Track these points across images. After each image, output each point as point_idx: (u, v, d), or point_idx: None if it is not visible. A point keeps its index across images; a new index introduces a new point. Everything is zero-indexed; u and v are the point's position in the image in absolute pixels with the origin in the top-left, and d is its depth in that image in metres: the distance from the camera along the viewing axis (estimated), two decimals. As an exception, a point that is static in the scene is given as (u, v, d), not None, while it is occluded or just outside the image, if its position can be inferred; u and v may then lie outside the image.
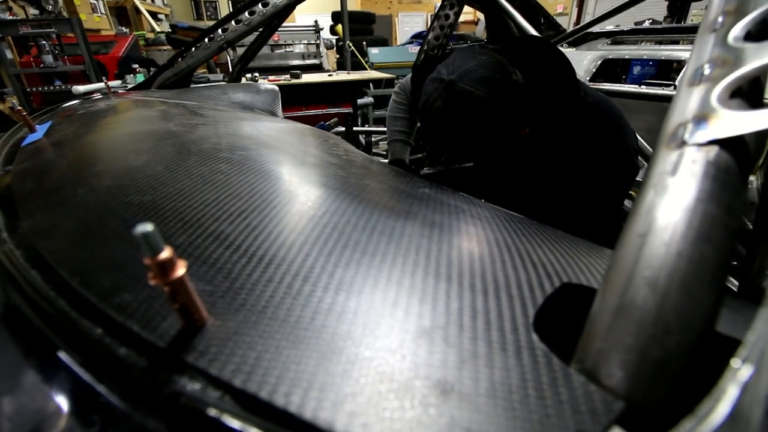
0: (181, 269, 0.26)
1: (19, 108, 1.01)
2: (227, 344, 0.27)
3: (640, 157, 1.50)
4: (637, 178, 1.01)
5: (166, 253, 0.25)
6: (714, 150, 0.30)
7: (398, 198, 0.53)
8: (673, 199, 0.29)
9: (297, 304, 0.30)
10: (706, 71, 0.38)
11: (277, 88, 1.85)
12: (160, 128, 0.80)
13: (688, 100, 0.36)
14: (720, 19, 0.43)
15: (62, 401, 0.25)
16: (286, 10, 2.08)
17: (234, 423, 0.23)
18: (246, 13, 2.04)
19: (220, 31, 2.04)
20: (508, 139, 0.82)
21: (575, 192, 0.95)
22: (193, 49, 2.04)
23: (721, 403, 0.18)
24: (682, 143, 0.32)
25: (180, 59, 2.05)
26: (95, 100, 1.49)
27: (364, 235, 0.39)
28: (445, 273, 0.35)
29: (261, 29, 2.11)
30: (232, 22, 2.04)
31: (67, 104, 1.48)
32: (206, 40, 2.05)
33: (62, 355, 0.27)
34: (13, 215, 0.50)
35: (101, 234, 0.41)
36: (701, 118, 0.33)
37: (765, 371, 0.18)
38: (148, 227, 0.24)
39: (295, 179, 0.54)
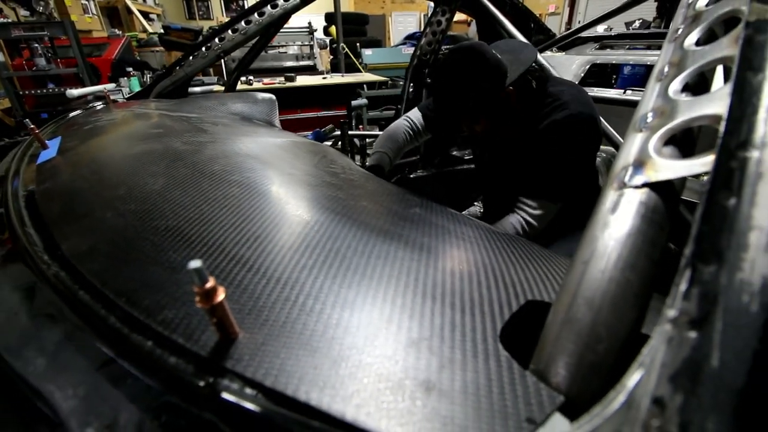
0: (221, 295, 0.32)
1: (32, 126, 1.06)
2: (257, 353, 0.33)
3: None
4: None
5: (210, 283, 0.32)
6: (646, 192, 0.38)
7: (392, 220, 0.60)
8: (610, 234, 0.36)
9: (310, 320, 0.37)
10: (649, 119, 0.45)
11: (273, 97, 1.90)
12: (170, 148, 0.86)
13: (632, 146, 0.43)
14: (666, 69, 0.51)
15: (133, 401, 0.31)
16: (282, 19, 2.14)
17: (266, 413, 0.30)
18: (242, 23, 2.09)
19: (217, 40, 2.09)
20: (498, 97, 1.01)
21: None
22: (191, 57, 2.09)
23: (620, 394, 0.25)
24: (623, 185, 0.39)
25: (178, 68, 2.10)
26: (97, 111, 1.54)
27: (363, 259, 0.46)
28: (431, 293, 0.42)
29: (257, 38, 2.16)
30: (229, 31, 2.09)
31: (70, 115, 1.52)
32: (203, 48, 2.10)
33: (124, 363, 0.34)
34: (49, 237, 0.57)
35: (136, 257, 0.48)
36: (639, 163, 0.40)
37: (653, 373, 0.25)
38: (197, 263, 0.31)
39: (300, 203, 0.61)
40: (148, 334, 0.36)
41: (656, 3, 4.61)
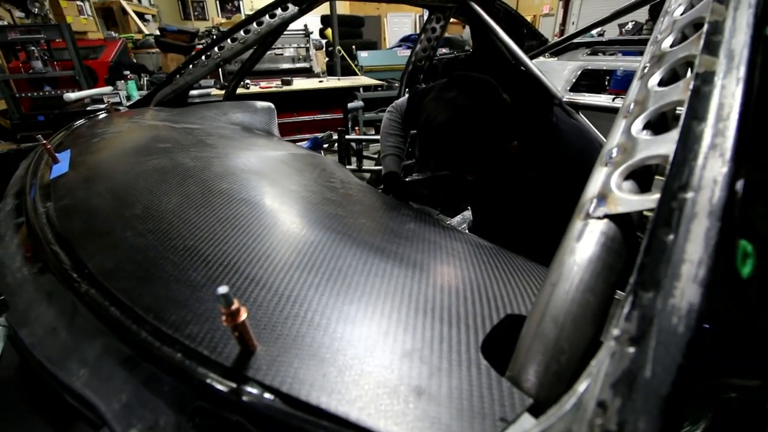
0: (244, 314, 0.38)
1: (44, 142, 1.11)
2: (274, 364, 0.39)
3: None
4: None
5: (235, 305, 0.37)
6: (606, 223, 0.44)
7: (388, 238, 0.66)
8: (574, 259, 0.42)
9: (318, 334, 0.43)
10: (614, 154, 0.51)
11: (272, 106, 1.96)
12: (179, 165, 0.91)
13: (597, 179, 0.49)
14: (631, 106, 0.57)
15: (170, 405, 0.37)
16: (280, 29, 2.19)
17: (283, 415, 0.36)
18: (241, 32, 2.14)
19: (216, 49, 2.14)
20: (500, 150, 0.94)
21: (547, 207, 1.08)
22: (191, 66, 2.13)
23: (572, 397, 0.31)
24: (588, 215, 0.46)
25: (178, 76, 2.15)
26: (102, 121, 1.58)
27: (362, 277, 0.52)
28: (422, 308, 0.48)
29: (256, 47, 2.21)
30: (228, 41, 2.14)
31: (75, 125, 1.56)
32: (203, 57, 2.15)
33: (158, 373, 0.40)
34: (73, 255, 0.62)
35: (159, 276, 0.53)
36: (602, 196, 0.46)
37: (599, 381, 0.31)
38: (225, 289, 0.36)
39: (304, 223, 0.67)
40: (177, 348, 0.42)
41: (648, 6, 4.71)
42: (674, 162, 0.41)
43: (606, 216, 0.44)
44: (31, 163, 1.13)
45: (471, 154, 0.92)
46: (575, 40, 3.39)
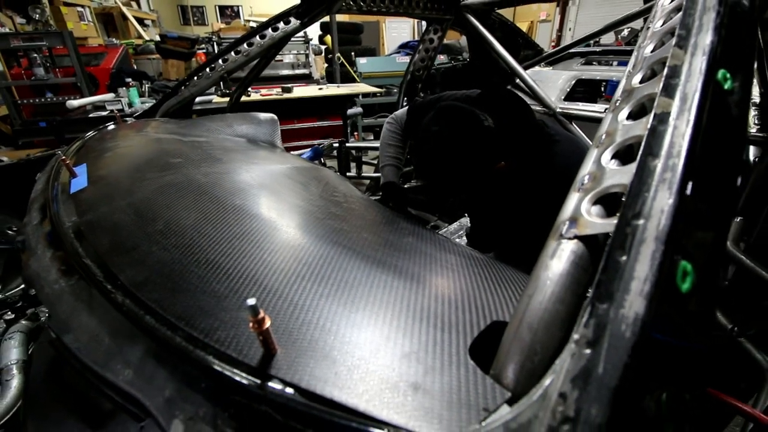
0: (268, 322, 0.45)
1: (63, 157, 1.18)
2: (293, 364, 0.46)
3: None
4: None
5: (261, 314, 0.44)
6: (575, 243, 0.52)
7: (388, 252, 0.73)
8: (548, 274, 0.50)
9: (329, 338, 0.50)
10: (585, 181, 0.59)
11: (275, 117, 2.03)
12: (193, 180, 0.98)
13: (570, 204, 0.57)
14: (603, 137, 0.65)
15: (207, 399, 0.44)
16: (282, 42, 2.27)
17: (302, 407, 0.43)
18: (245, 45, 2.22)
19: (220, 61, 2.22)
20: (486, 172, 1.05)
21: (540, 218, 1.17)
22: (195, 78, 2.21)
23: (539, 390, 0.39)
24: (561, 236, 0.53)
25: (183, 87, 2.22)
26: (112, 133, 1.64)
27: (366, 289, 0.59)
28: (419, 316, 0.55)
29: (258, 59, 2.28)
30: (232, 53, 2.21)
31: (87, 137, 1.62)
32: (207, 69, 2.23)
33: (194, 372, 0.47)
34: (105, 268, 0.68)
35: (186, 287, 0.60)
36: (573, 219, 0.54)
37: (561, 376, 0.39)
38: (253, 300, 0.43)
39: (312, 238, 0.74)
40: (209, 351, 0.49)
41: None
42: (630, 192, 0.49)
43: (576, 237, 0.52)
44: (49, 176, 1.19)
45: (455, 179, 1.04)
46: (570, 50, 3.48)
